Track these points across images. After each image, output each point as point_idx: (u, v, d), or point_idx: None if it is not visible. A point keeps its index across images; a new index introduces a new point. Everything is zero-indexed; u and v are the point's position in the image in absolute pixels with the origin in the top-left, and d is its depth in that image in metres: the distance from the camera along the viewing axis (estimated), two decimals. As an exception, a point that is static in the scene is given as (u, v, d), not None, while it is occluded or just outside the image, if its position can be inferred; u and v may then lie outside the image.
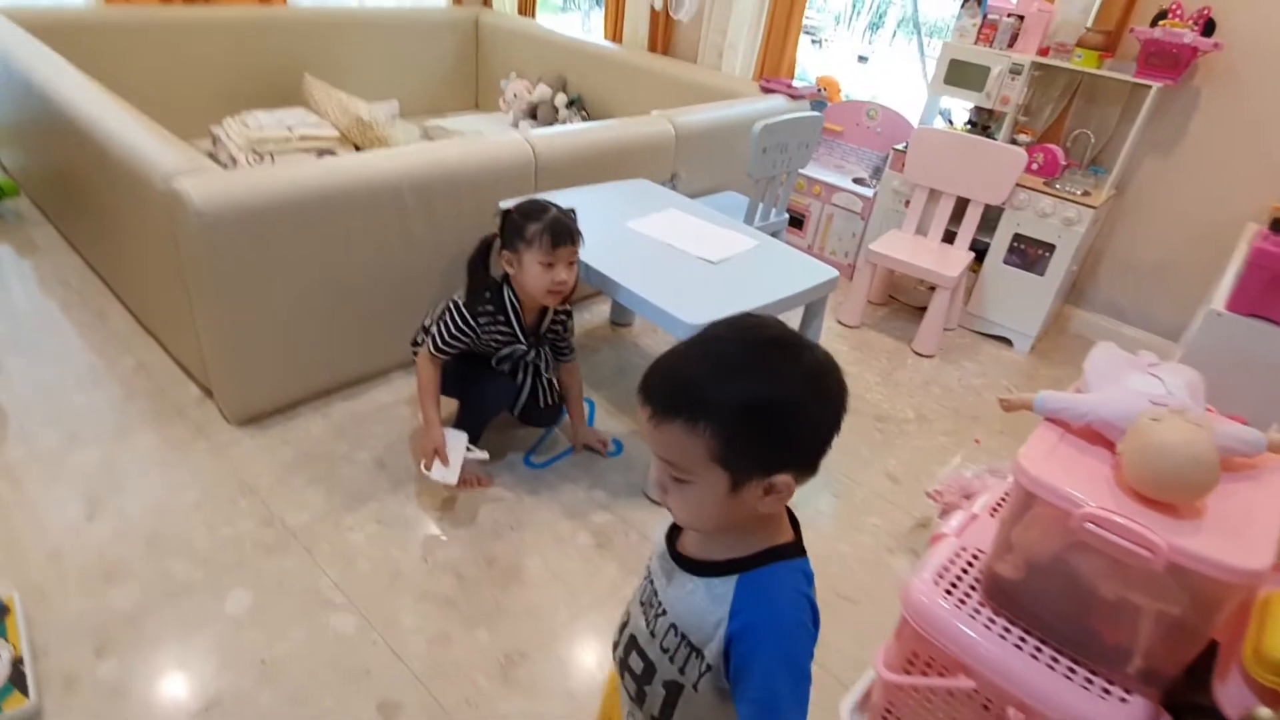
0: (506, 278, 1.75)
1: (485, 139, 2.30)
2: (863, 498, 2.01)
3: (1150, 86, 2.47)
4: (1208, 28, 2.44)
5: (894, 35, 7.36)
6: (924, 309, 2.86)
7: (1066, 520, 0.91)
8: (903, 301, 3.17)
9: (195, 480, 1.78)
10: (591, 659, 1.49)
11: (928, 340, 2.78)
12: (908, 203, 2.97)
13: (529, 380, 1.92)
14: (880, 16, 7.53)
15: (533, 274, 1.68)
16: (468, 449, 1.80)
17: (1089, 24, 2.64)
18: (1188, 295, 2.75)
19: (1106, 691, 0.96)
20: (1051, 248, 2.68)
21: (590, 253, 1.92)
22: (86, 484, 1.73)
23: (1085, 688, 0.96)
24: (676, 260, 1.94)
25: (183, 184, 1.66)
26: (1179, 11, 2.44)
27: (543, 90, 3.93)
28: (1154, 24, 2.47)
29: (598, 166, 2.47)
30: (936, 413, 2.46)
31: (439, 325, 1.76)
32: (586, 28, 5.14)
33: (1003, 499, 1.30)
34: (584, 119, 3.79)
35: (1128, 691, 0.96)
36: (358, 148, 3.25)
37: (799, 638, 0.69)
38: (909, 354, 2.80)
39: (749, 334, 0.67)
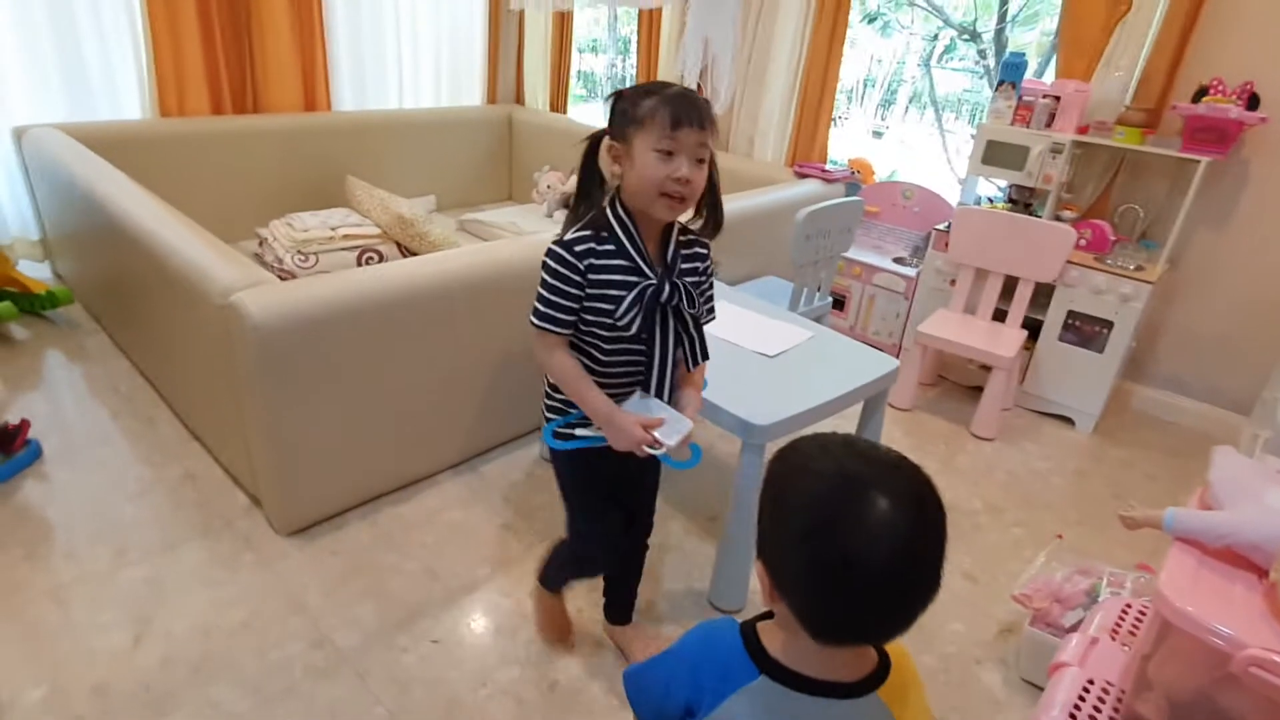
0: (616, 192, 1.21)
1: (528, 239, 2.31)
2: (941, 601, 1.87)
3: (1199, 161, 2.44)
4: (1252, 102, 2.42)
5: (906, 111, 7.54)
6: (976, 388, 2.78)
7: (1223, 660, 0.82)
8: (953, 381, 3.08)
9: (244, 597, 1.71)
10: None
11: (987, 422, 2.68)
12: (953, 282, 2.92)
13: (671, 342, 1.26)
14: (892, 93, 7.73)
15: (644, 165, 1.13)
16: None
17: (1127, 102, 2.64)
18: (1252, 368, 2.64)
19: None
20: (1109, 324, 2.61)
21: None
22: (134, 604, 1.67)
23: None
24: (734, 356, 1.90)
25: (240, 298, 1.66)
26: (1221, 87, 2.43)
27: (575, 182, 4.01)
28: (1196, 99, 2.46)
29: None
30: (1005, 502, 2.34)
31: (539, 287, 1.22)
32: (607, 115, 5.29)
33: (1121, 618, 1.19)
34: (618, 208, 3.84)
35: None
36: (399, 244, 3.31)
37: None
38: (967, 437, 2.70)
39: None
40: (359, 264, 3.14)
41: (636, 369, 1.29)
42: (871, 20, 6.69)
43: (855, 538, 0.64)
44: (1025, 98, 2.74)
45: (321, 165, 3.63)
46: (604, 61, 6.42)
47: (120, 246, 2.26)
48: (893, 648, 0.78)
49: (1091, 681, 1.04)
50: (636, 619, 1.68)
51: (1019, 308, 2.75)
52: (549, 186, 4.12)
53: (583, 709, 1.52)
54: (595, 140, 1.23)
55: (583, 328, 1.24)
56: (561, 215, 3.93)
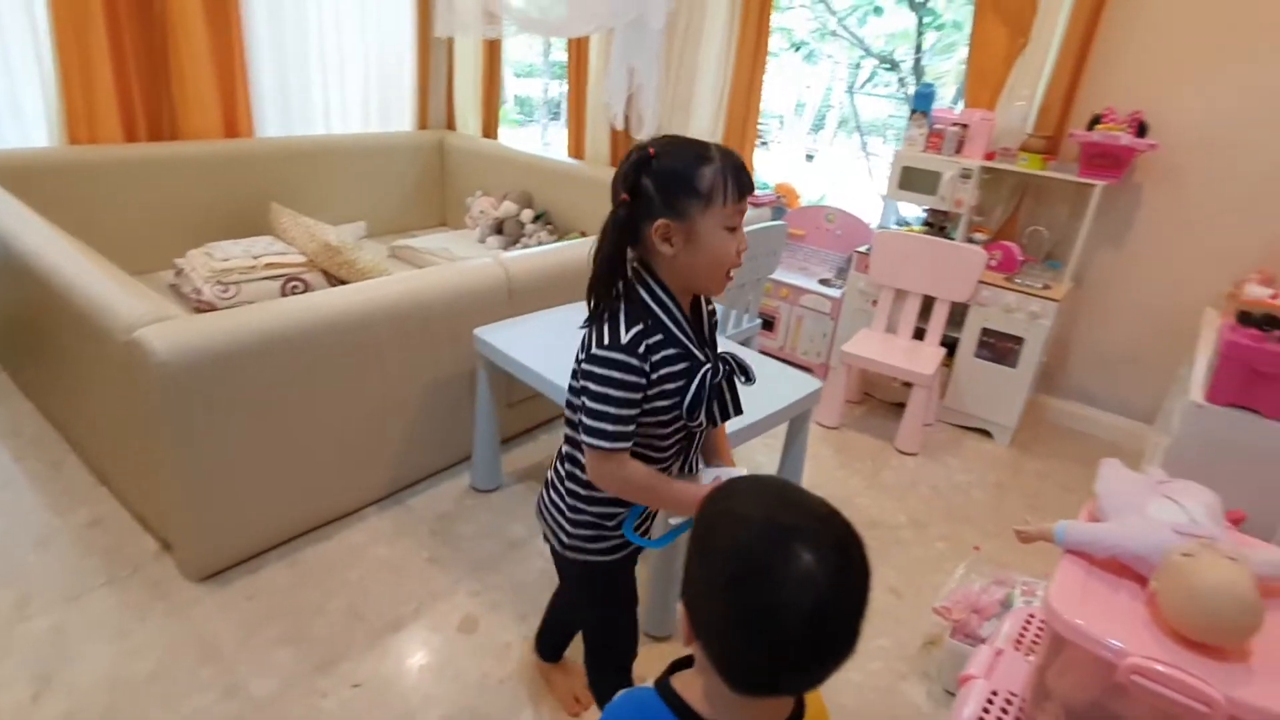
0: (642, 269, 1.06)
1: (458, 265, 2.29)
2: (867, 617, 1.91)
3: (1095, 185, 2.59)
4: (1141, 129, 2.59)
5: (835, 135, 7.80)
6: (900, 404, 2.86)
7: (1110, 670, 0.86)
8: (878, 398, 3.17)
9: (153, 647, 1.63)
10: (597, 833, 1.35)
11: (910, 438, 2.76)
12: (875, 302, 3.02)
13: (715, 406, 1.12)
14: (821, 118, 8.00)
15: (714, 245, 1.02)
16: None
17: (1029, 130, 2.79)
18: (1155, 379, 2.80)
19: None
20: (1020, 340, 2.73)
21: (564, 374, 1.88)
22: (35, 657, 1.57)
23: None
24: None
25: (144, 334, 1.60)
26: (1113, 115, 2.60)
27: (508, 206, 4.01)
28: (1090, 127, 2.61)
29: (572, 284, 2.47)
30: (929, 516, 2.41)
31: (596, 404, 1.03)
32: (545, 141, 5.30)
33: (1025, 628, 1.24)
34: (550, 233, 3.85)
35: None
36: (326, 273, 3.23)
37: None
38: (892, 453, 2.78)
39: None
40: (283, 293, 3.06)
41: (684, 450, 1.18)
42: (798, 49, 6.92)
43: (777, 589, 0.63)
44: (936, 126, 2.87)
45: (244, 193, 3.54)
46: (540, 86, 6.46)
47: (19, 281, 2.15)
48: None
49: (995, 693, 1.08)
50: (566, 653, 1.67)
51: (937, 326, 2.86)
52: (481, 212, 4.11)
53: (511, 746, 1.50)
54: (621, 223, 1.01)
55: (639, 432, 1.08)
56: (495, 242, 3.94)
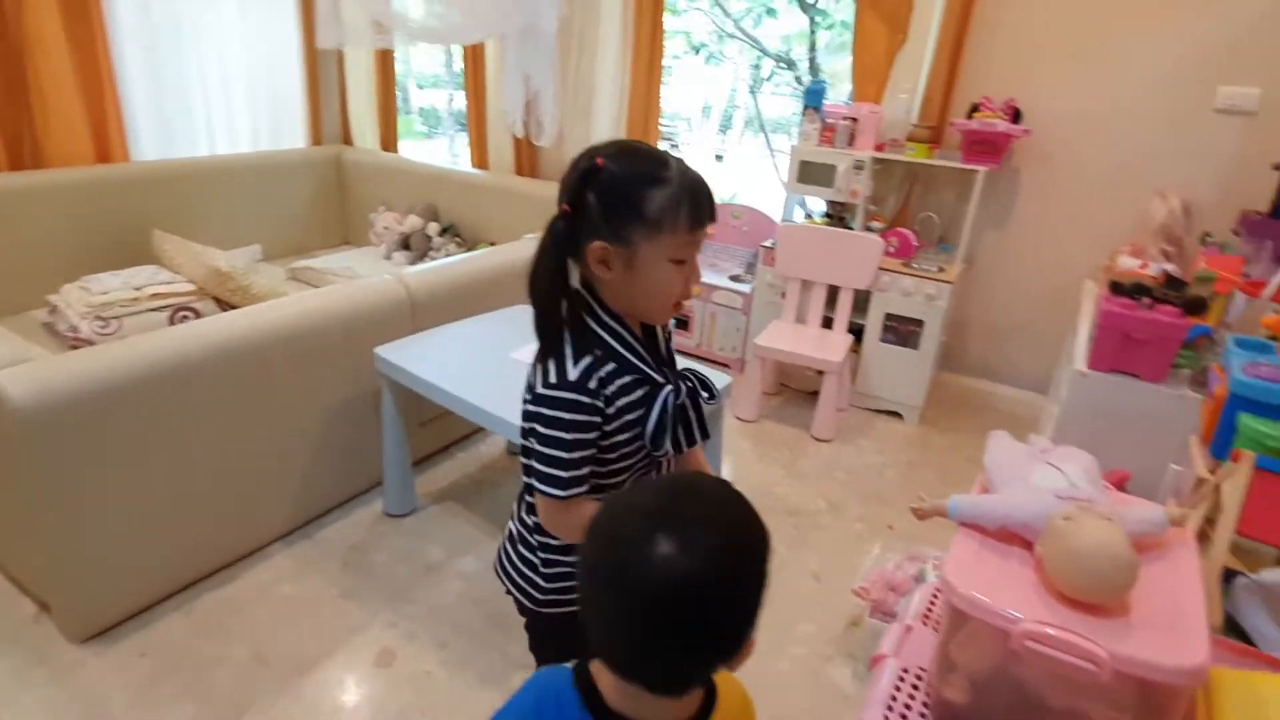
0: (583, 289, 0.97)
1: (355, 284, 2.20)
2: (790, 603, 1.94)
3: (976, 171, 2.71)
4: (1016, 116, 2.72)
5: (743, 134, 7.97)
6: (815, 393, 2.93)
7: (1007, 638, 0.88)
8: (794, 388, 3.23)
9: (34, 718, 1.49)
10: None
11: (824, 425, 2.82)
12: (783, 294, 3.08)
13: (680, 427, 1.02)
14: (728, 119, 8.15)
15: (657, 278, 0.92)
16: None
17: (914, 121, 2.90)
18: (1046, 350, 2.96)
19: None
20: (920, 323, 2.83)
21: (473, 389, 1.84)
22: (-117, 754, 1.41)
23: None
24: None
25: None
26: (989, 104, 2.73)
27: (414, 221, 3.90)
28: (969, 116, 2.74)
29: (478, 296, 2.42)
30: (846, 499, 2.47)
31: (545, 448, 0.94)
32: (454, 153, 5.20)
33: (932, 603, 1.27)
34: (458, 245, 3.76)
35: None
36: (218, 300, 3.06)
37: None
38: (809, 440, 2.83)
39: None
40: (172, 324, 2.88)
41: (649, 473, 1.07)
42: (698, 51, 7.03)
43: (628, 569, 0.61)
44: (828, 120, 2.95)
45: (123, 221, 3.31)
46: (445, 97, 6.34)
47: None
48: (720, 675, 0.77)
49: (906, 670, 1.09)
50: None
51: (843, 314, 2.93)
52: (385, 227, 3.98)
53: (435, 780, 1.44)
54: (559, 237, 0.91)
55: (600, 469, 0.98)
56: (401, 258, 3.83)
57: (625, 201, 0.88)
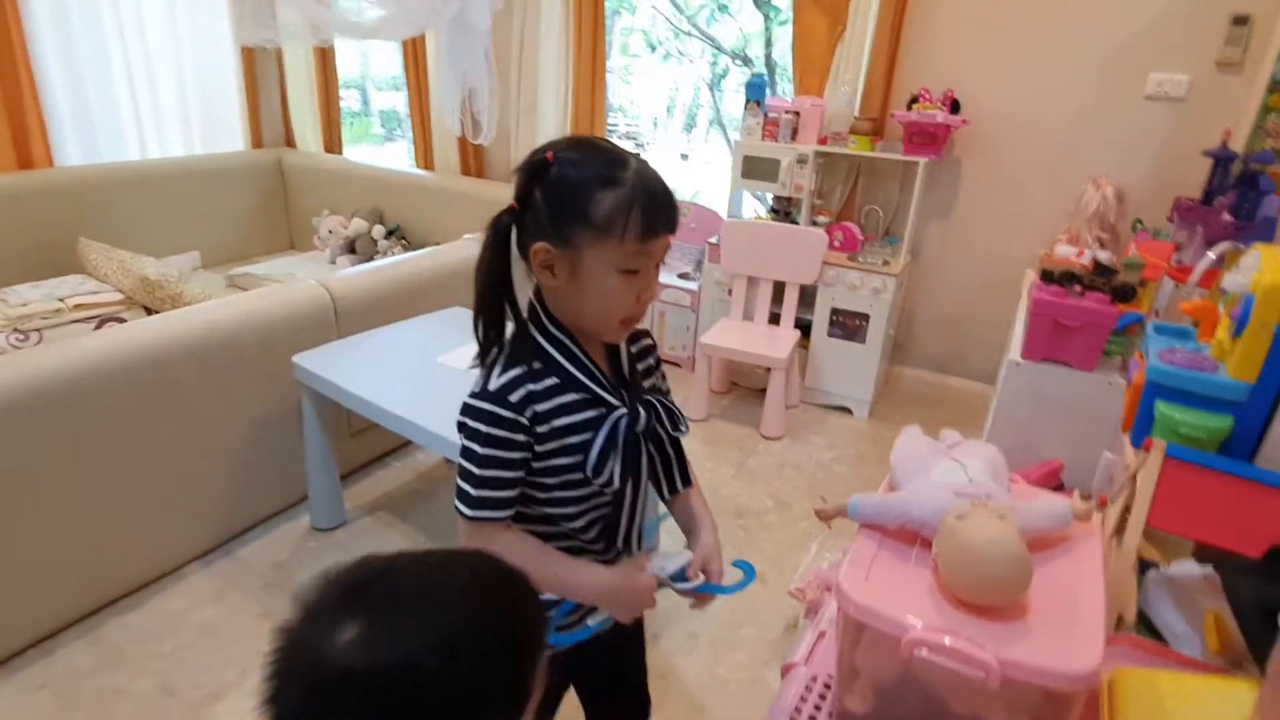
0: (537, 298, 0.89)
1: (272, 289, 2.12)
2: (731, 607, 1.90)
3: (918, 162, 2.69)
4: (954, 107, 2.71)
5: (708, 133, 7.94)
6: (764, 390, 2.89)
7: (898, 646, 0.84)
8: (745, 386, 3.19)
9: (-89, 766, 1.40)
10: None
11: (773, 422, 2.79)
12: (730, 291, 3.04)
13: (644, 475, 0.97)
14: (693, 118, 8.12)
15: (603, 290, 0.83)
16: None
17: (856, 113, 2.87)
18: (992, 341, 2.94)
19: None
20: (866, 317, 2.81)
21: (395, 399, 1.77)
22: None
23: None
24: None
25: None
26: (928, 95, 2.71)
27: (359, 224, 3.81)
28: (909, 107, 2.72)
29: (412, 300, 2.35)
30: (793, 496, 2.43)
31: (459, 459, 0.87)
32: (413, 157, 5.08)
33: (847, 606, 1.23)
34: (405, 247, 3.68)
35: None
36: (148, 309, 2.95)
37: None
38: (758, 439, 2.79)
39: None
40: (93, 337, 2.76)
41: (608, 522, 0.96)
42: (653, 49, 6.98)
43: (300, 656, 0.50)
44: (771, 114, 2.91)
45: (46, 229, 3.19)
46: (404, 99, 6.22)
47: None
48: None
49: (815, 678, 1.05)
50: None
51: (789, 310, 2.90)
52: (330, 231, 3.88)
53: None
54: (501, 234, 0.83)
55: (540, 495, 0.90)
56: (346, 262, 3.73)
57: (572, 201, 0.80)
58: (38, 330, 2.71)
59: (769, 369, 2.77)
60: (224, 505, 1.98)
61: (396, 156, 5.70)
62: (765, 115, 2.92)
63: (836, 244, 2.90)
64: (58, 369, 1.59)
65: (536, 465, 0.87)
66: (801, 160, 2.84)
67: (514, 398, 0.83)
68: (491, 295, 0.85)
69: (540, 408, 0.85)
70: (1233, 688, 0.81)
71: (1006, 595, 0.85)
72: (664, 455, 0.97)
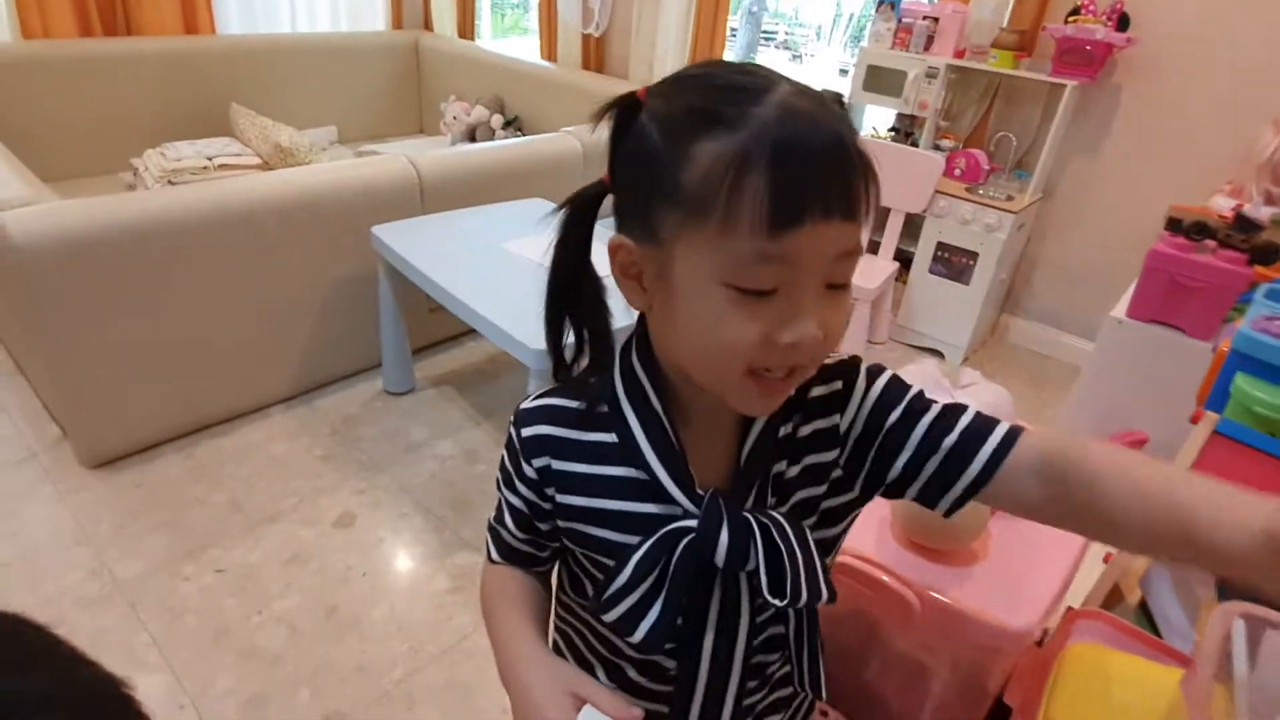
0: (640, 325, 0.56)
1: (363, 161, 2.22)
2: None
3: (1065, 85, 2.36)
4: (1122, 22, 2.33)
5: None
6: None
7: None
8: (836, 316, 3.05)
9: (32, 530, 1.68)
10: (420, 718, 1.37)
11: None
12: (833, 214, 2.86)
13: (740, 652, 0.58)
14: (861, 29, 7.52)
15: (701, 314, 0.48)
16: None
17: (1004, 24, 2.54)
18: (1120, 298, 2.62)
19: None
20: (975, 255, 2.57)
21: (452, 277, 1.83)
22: (-85, 537, 1.64)
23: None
24: (542, 280, 1.83)
25: (1, 218, 1.58)
26: (1092, 7, 2.34)
27: (480, 112, 3.88)
28: (1067, 20, 2.37)
29: (497, 187, 2.38)
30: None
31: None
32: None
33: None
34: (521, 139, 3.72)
35: (917, 765, 0.84)
36: (278, 175, 3.19)
37: None
38: (835, 371, 2.68)
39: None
40: (228, 195, 3.03)
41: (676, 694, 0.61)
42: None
43: None
44: (905, 19, 2.63)
45: (204, 92, 3.47)
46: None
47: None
48: None
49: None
50: None
51: (891, 239, 2.70)
52: (455, 118, 3.98)
53: (357, 633, 1.52)
54: (581, 215, 0.55)
55: (577, 597, 0.64)
56: (465, 148, 3.83)
57: (651, 166, 0.47)
58: (187, 184, 2.99)
59: (857, 299, 2.63)
60: (307, 357, 2.16)
61: (534, 48, 5.70)
62: (899, 20, 2.65)
63: (958, 172, 2.64)
64: (161, 214, 1.76)
65: (570, 549, 0.61)
66: (931, 74, 2.56)
67: (527, 433, 0.59)
68: (563, 293, 0.57)
69: (561, 467, 0.57)
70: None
71: (955, 540, 0.78)
72: (794, 640, 0.59)
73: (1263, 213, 1.79)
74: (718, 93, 0.46)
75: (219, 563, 1.65)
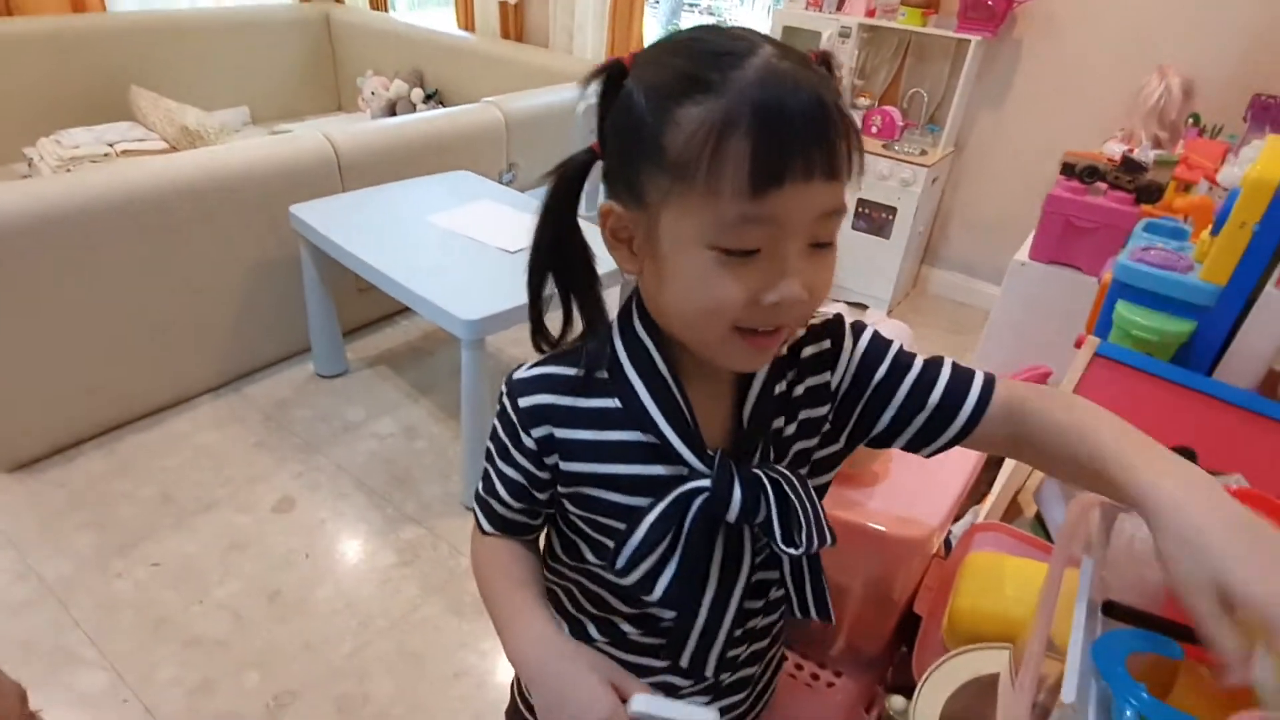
0: (636, 292, 0.57)
1: (277, 139, 2.16)
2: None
3: (970, 41, 2.45)
4: (1021, -23, 2.43)
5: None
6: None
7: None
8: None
9: (-50, 537, 1.62)
10: (373, 689, 1.39)
11: (783, 313, 2.74)
12: (758, 175, 2.92)
13: (739, 594, 0.61)
14: (780, -10, 7.53)
15: (687, 276, 0.49)
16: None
17: (911, -19, 2.61)
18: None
19: (814, 678, 0.90)
20: (894, 210, 2.66)
21: (370, 249, 1.80)
22: None
23: (792, 675, 0.91)
24: (470, 252, 1.84)
25: (-118, 213, 1.49)
26: (992, -38, 2.43)
27: (399, 86, 3.78)
28: (970, -24, 2.45)
29: (418, 161, 2.35)
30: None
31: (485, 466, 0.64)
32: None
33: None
34: (441, 112, 3.65)
35: (837, 675, 0.90)
36: (187, 160, 3.06)
37: None
38: (767, 329, 2.75)
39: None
40: (134, 182, 2.89)
41: (670, 635, 0.62)
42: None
43: None
44: (817, -21, 2.68)
45: (99, 74, 3.28)
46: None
47: None
48: None
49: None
50: None
51: (813, 198, 2.77)
52: (373, 93, 3.87)
53: (303, 614, 1.52)
54: (570, 183, 0.54)
55: (580, 543, 0.63)
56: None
57: (639, 130, 0.48)
58: (87, 170, 2.85)
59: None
60: (232, 344, 2.11)
61: (450, 19, 5.55)
62: (811, -19, 2.69)
63: (874, 129, 2.72)
64: (58, 201, 1.68)
65: (566, 515, 0.62)
66: (844, 33, 2.62)
67: (525, 403, 0.58)
68: (540, 262, 0.56)
69: (565, 435, 0.57)
70: (1068, 574, 0.79)
71: (859, 465, 0.84)
72: (789, 578, 0.61)
73: (1150, 155, 1.91)
74: (701, 57, 0.47)
75: (153, 556, 1.62)
